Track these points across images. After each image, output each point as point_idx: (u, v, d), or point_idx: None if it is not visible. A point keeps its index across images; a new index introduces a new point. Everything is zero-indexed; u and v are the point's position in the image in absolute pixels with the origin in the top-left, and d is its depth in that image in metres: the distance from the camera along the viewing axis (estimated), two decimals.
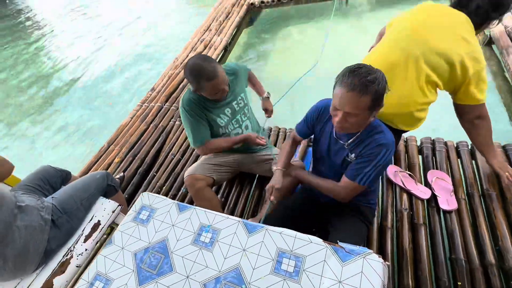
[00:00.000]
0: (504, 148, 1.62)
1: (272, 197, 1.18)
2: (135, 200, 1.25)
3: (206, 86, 1.23)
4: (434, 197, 1.49)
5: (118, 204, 1.41)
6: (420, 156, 1.77)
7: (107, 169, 2.35)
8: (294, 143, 1.37)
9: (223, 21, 4.09)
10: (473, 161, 1.64)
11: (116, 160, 2.40)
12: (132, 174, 2.24)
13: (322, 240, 0.77)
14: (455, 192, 1.50)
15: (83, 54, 5.73)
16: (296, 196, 1.44)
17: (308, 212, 1.33)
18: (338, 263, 0.70)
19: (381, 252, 1.36)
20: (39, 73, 5.52)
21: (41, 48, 6.45)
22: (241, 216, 1.73)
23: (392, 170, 1.61)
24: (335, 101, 0.91)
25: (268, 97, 1.73)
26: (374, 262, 0.68)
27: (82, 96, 4.51)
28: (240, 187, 1.88)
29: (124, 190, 2.12)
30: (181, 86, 3.17)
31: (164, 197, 1.01)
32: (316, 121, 1.19)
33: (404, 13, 1.29)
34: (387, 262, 0.70)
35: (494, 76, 2.41)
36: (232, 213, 1.74)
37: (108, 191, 1.50)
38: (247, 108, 1.57)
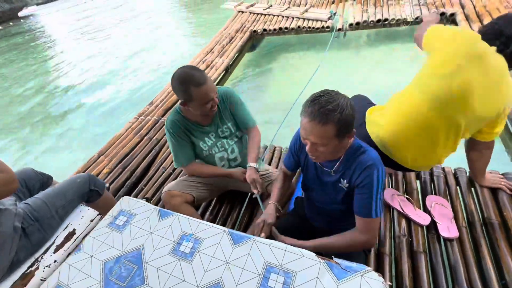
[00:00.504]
0: (504, 176, 1.58)
1: (262, 234, 1.05)
2: None
3: (195, 93, 1.17)
4: (433, 223, 1.41)
5: (97, 213, 1.31)
6: (418, 181, 1.72)
7: None
8: (286, 177, 1.29)
9: (226, 44, 4.25)
10: (472, 189, 1.59)
11: (105, 170, 2.31)
12: (119, 186, 2.14)
13: (315, 254, 0.68)
14: (456, 219, 1.42)
15: (92, 71, 5.89)
16: (287, 218, 1.35)
17: (299, 238, 1.22)
18: (333, 281, 0.61)
19: None
20: (45, 83, 5.60)
21: (51, 63, 6.63)
22: None
23: (389, 193, 1.54)
24: (301, 131, 0.89)
25: (256, 169, 1.38)
26: (373, 281, 0.59)
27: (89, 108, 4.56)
28: (230, 205, 1.79)
29: None
30: (179, 102, 3.18)
31: (146, 202, 0.93)
32: (299, 151, 1.14)
33: (448, 45, 1.09)
34: (389, 283, 0.62)
35: None
36: None
37: (90, 196, 1.40)
38: (234, 136, 1.48)
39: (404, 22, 3.63)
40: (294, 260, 0.69)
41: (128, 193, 2.08)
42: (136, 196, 2.02)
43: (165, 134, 2.65)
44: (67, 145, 3.78)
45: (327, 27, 4.02)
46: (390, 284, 0.62)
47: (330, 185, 1.05)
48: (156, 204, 1.90)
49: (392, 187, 1.63)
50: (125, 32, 8.10)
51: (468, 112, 1.03)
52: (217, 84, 3.70)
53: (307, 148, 0.91)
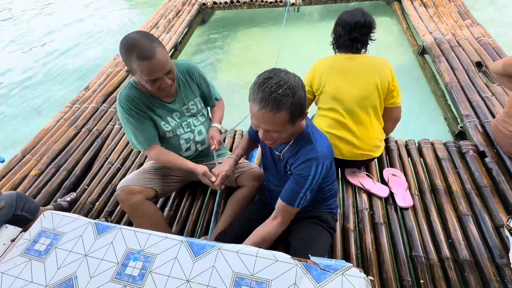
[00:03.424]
0: (445, 145, 1.73)
1: (216, 182, 1.09)
2: None
3: (139, 67, 0.96)
4: (391, 195, 1.49)
5: (21, 229, 1.04)
6: None
7: (19, 184, 1.87)
8: (250, 141, 1.28)
9: (172, 18, 3.81)
10: (421, 159, 1.71)
11: (33, 172, 1.93)
12: (54, 189, 1.81)
13: (290, 256, 0.61)
14: (409, 189, 1.52)
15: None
16: (252, 206, 1.31)
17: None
18: (312, 285, 0.55)
19: (346, 257, 1.27)
20: None
21: None
22: (192, 233, 1.49)
23: (349, 171, 1.57)
24: (252, 119, 0.82)
25: (219, 130, 1.38)
26: (355, 278, 0.55)
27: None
28: (192, 197, 1.64)
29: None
30: (122, 85, 2.78)
31: (76, 216, 0.73)
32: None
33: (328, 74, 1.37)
34: (370, 277, 0.58)
35: (428, 81, 2.65)
36: (182, 230, 1.49)
37: (16, 221, 1.10)
38: (201, 114, 1.34)
39: None
40: (267, 267, 0.60)
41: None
42: (78, 200, 1.73)
43: (108, 124, 2.34)
44: None
45: (281, 1, 3.85)
46: (372, 278, 0.59)
47: (281, 168, 1.03)
48: (104, 206, 1.66)
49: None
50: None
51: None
52: None
53: (260, 135, 0.85)
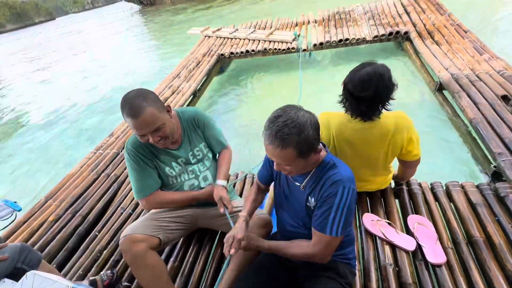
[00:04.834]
0: (478, 187, 1.54)
1: (232, 250, 0.97)
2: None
3: (129, 123, 1.03)
4: (419, 248, 1.30)
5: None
6: (396, 201, 1.63)
7: (37, 230, 1.92)
8: (259, 190, 1.23)
9: (193, 69, 4.15)
10: (451, 204, 1.52)
11: (51, 218, 1.99)
12: (68, 235, 1.83)
13: None
14: (440, 240, 1.32)
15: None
16: (262, 257, 1.19)
17: (277, 276, 1.08)
18: None
19: None
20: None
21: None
22: (197, 286, 1.38)
23: (369, 220, 1.42)
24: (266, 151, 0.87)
25: (225, 187, 1.29)
26: None
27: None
28: (198, 246, 1.56)
29: (52, 259, 1.68)
30: None
31: (56, 278, 0.68)
32: (272, 161, 1.04)
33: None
34: None
35: (450, 118, 2.51)
36: (186, 283, 1.39)
37: (16, 274, 1.09)
38: (207, 159, 1.34)
39: (364, 41, 3.79)
40: None
41: (78, 243, 1.78)
42: (88, 247, 1.72)
43: (125, 168, 2.43)
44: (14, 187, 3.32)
45: (293, 48, 4.09)
46: None
47: (300, 203, 0.98)
48: (111, 255, 1.62)
49: (370, 211, 1.51)
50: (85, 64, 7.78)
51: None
52: None
53: (274, 166, 0.89)
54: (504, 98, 2.12)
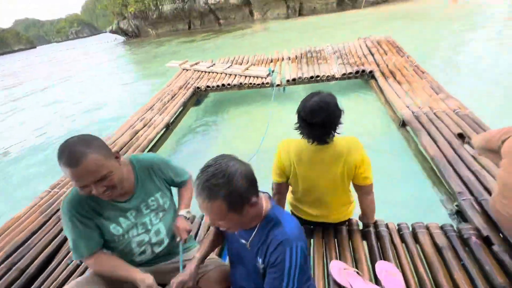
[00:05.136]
0: (442, 229, 1.53)
1: None
2: None
3: (65, 173, 0.91)
4: None
5: None
6: (364, 242, 1.57)
7: None
8: (218, 233, 1.14)
9: (168, 101, 4.12)
10: (418, 246, 1.49)
11: None
12: None
13: None
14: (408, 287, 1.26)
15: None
16: None
17: None
18: None
19: None
20: None
21: None
22: None
23: (336, 268, 1.34)
24: None
25: (187, 217, 1.29)
26: None
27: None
28: None
29: None
30: None
31: None
32: None
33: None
34: None
35: (415, 155, 2.59)
36: None
37: None
38: (162, 210, 1.22)
39: (333, 78, 4.01)
40: None
41: None
42: None
43: None
44: None
45: (267, 83, 4.23)
46: None
47: (249, 262, 0.90)
48: None
49: (338, 257, 1.44)
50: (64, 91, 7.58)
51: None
52: (158, 142, 3.42)
53: (209, 221, 0.82)
54: (460, 136, 2.24)
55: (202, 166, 0.76)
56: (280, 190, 1.40)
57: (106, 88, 7.54)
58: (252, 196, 0.76)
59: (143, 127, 3.50)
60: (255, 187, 0.78)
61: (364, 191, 1.34)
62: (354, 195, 1.44)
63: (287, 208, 1.56)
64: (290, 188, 1.45)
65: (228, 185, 0.71)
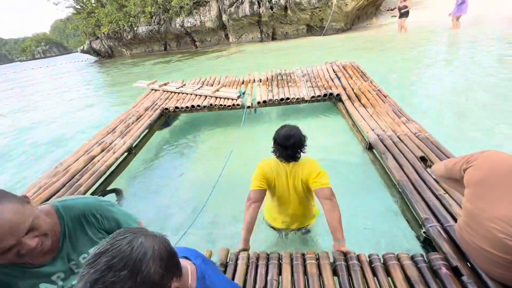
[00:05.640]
0: (413, 259, 1.47)
1: None
2: None
3: None
4: None
5: None
6: (335, 278, 1.46)
7: None
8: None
9: (132, 123, 3.87)
10: (389, 279, 1.40)
11: None
12: None
13: None
14: None
15: None
16: None
17: None
18: None
19: None
20: None
21: None
22: None
23: None
24: None
25: None
26: None
27: None
28: None
29: None
30: (54, 197, 2.45)
31: None
32: None
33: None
34: None
35: (382, 177, 2.61)
36: None
37: None
38: None
39: (303, 100, 4.07)
40: None
41: None
42: None
43: None
44: None
45: (238, 104, 4.18)
46: None
47: None
48: None
49: None
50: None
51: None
52: (118, 167, 3.13)
53: None
54: (423, 159, 2.29)
55: (91, 254, 0.53)
56: (259, 197, 1.62)
57: (69, 110, 7.02)
58: (171, 283, 0.58)
59: (101, 152, 3.20)
60: (176, 266, 0.61)
61: (323, 195, 1.52)
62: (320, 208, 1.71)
63: (261, 215, 1.85)
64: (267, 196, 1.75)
65: (135, 277, 0.51)
